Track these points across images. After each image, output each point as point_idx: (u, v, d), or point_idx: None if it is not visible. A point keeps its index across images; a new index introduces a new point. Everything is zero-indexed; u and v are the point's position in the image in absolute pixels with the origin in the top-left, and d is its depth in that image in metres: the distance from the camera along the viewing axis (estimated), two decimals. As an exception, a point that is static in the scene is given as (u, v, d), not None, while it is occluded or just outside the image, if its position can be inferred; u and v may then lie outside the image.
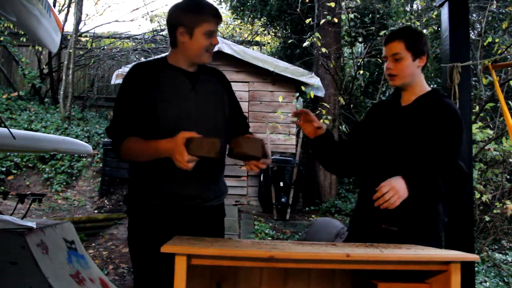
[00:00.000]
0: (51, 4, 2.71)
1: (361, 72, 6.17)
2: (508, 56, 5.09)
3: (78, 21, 9.41)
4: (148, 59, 2.19)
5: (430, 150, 1.71)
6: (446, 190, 1.66)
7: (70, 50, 8.98)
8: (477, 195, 4.42)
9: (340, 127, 6.89)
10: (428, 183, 1.64)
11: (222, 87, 1.84)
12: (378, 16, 7.36)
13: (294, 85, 7.16)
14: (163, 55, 1.87)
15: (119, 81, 6.72)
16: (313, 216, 6.56)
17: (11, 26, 8.94)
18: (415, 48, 1.76)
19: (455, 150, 1.71)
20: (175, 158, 1.44)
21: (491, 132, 4.59)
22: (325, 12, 6.91)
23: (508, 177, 5.18)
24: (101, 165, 7.44)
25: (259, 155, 1.53)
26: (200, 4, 1.68)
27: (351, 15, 6.15)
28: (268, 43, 12.36)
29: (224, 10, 12.73)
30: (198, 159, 1.43)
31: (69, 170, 7.62)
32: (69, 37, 9.31)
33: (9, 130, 2.81)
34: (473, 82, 5.58)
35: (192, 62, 1.73)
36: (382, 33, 6.43)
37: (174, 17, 1.69)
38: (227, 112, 1.83)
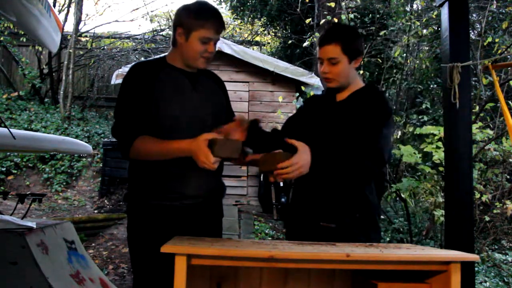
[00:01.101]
0: (51, 4, 2.71)
1: (361, 72, 6.17)
2: (508, 56, 5.10)
3: (78, 21, 9.41)
4: (147, 59, 2.20)
5: (352, 132, 1.68)
6: (355, 170, 1.63)
7: (70, 50, 8.98)
8: (477, 195, 4.42)
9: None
10: (333, 160, 1.61)
11: (219, 89, 1.86)
12: (378, 16, 7.36)
13: (294, 85, 7.15)
14: (162, 55, 1.87)
15: (119, 81, 6.71)
16: (313, 216, 6.54)
17: (11, 26, 8.94)
18: (351, 50, 1.71)
19: (374, 134, 1.66)
20: (199, 159, 1.46)
21: (491, 132, 4.58)
22: (325, 12, 6.91)
23: (508, 177, 5.18)
24: (101, 165, 7.44)
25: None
26: (204, 10, 1.66)
27: (351, 15, 6.14)
28: (268, 43, 12.37)
29: (224, 10, 12.74)
30: (221, 159, 1.48)
31: (69, 170, 7.62)
32: (69, 37, 9.31)
33: (9, 130, 2.80)
34: (473, 82, 5.58)
35: (186, 64, 1.73)
36: (382, 33, 6.44)
37: (177, 16, 1.69)
38: (224, 113, 1.84)
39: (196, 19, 1.64)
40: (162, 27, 12.40)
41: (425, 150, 4.57)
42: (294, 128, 1.91)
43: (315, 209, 1.68)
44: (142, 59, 9.05)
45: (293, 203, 1.88)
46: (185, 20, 1.65)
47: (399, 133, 7.47)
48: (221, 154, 1.45)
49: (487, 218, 4.69)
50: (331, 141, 1.72)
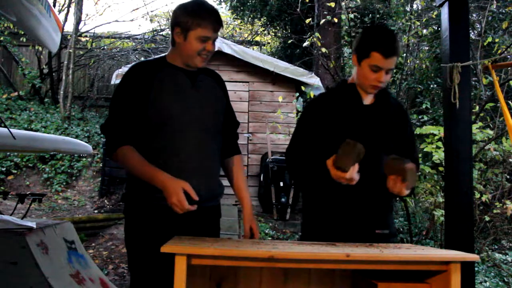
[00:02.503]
0: (51, 4, 2.71)
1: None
2: (508, 56, 5.10)
3: (78, 21, 9.41)
4: (147, 58, 2.20)
5: (403, 149, 1.79)
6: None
7: (70, 50, 8.98)
8: (477, 195, 4.41)
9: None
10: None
11: (220, 89, 1.85)
12: (378, 16, 7.37)
13: (294, 85, 7.16)
14: (162, 54, 1.87)
15: (119, 81, 6.71)
16: (313, 216, 6.54)
17: (11, 26, 8.94)
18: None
19: (416, 147, 1.96)
20: (171, 200, 1.51)
21: (491, 132, 4.58)
22: (325, 12, 6.92)
23: (508, 177, 5.18)
24: (101, 165, 7.44)
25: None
26: (201, 9, 1.66)
27: (351, 15, 6.16)
28: (268, 43, 12.37)
29: (224, 10, 12.74)
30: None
31: (69, 170, 7.62)
32: (69, 37, 9.32)
33: (9, 130, 2.80)
34: (473, 82, 5.57)
35: (185, 63, 1.73)
36: (382, 33, 6.41)
37: (175, 16, 1.69)
38: (224, 112, 1.85)
39: (193, 18, 1.63)
40: (162, 27, 12.39)
41: (425, 150, 4.57)
42: (322, 136, 1.80)
43: (370, 218, 1.73)
44: (142, 59, 9.06)
45: (339, 210, 1.76)
46: (182, 19, 1.65)
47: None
48: (351, 160, 1.53)
49: (487, 218, 4.68)
50: (376, 148, 1.75)
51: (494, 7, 6.33)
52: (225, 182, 1.90)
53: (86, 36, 10.31)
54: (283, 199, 6.28)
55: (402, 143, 1.81)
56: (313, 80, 6.84)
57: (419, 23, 6.52)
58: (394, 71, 7.64)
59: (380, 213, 1.76)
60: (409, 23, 6.44)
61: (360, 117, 1.79)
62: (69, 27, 9.90)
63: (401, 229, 5.10)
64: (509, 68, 5.18)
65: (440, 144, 4.36)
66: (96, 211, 6.60)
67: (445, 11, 2.53)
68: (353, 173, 1.55)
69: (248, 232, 1.81)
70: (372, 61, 1.71)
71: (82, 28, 10.06)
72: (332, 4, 5.89)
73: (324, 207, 1.78)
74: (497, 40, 5.68)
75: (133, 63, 1.96)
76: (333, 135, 1.76)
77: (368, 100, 1.83)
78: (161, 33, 11.37)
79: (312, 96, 6.40)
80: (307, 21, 6.08)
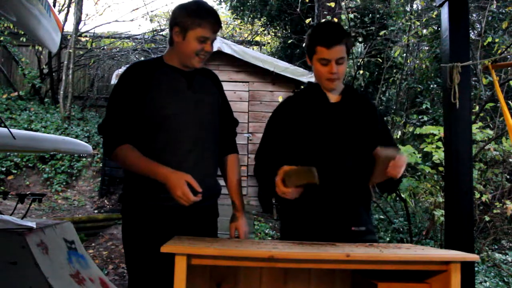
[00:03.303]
0: (51, 4, 2.71)
1: (361, 72, 6.18)
2: (508, 56, 5.10)
3: (78, 21, 9.41)
4: (145, 59, 2.19)
5: (378, 143, 1.77)
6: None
7: (70, 50, 8.98)
8: (477, 195, 4.42)
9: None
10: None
11: (216, 89, 1.86)
12: (378, 16, 7.37)
13: (294, 85, 7.14)
14: (160, 55, 1.88)
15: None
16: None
17: (11, 26, 8.94)
18: (349, 49, 1.79)
19: (394, 142, 1.93)
20: (175, 194, 1.50)
21: (491, 132, 4.58)
22: (325, 12, 6.92)
23: (508, 177, 5.18)
24: (101, 165, 7.44)
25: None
26: (201, 9, 1.66)
27: (351, 15, 6.16)
28: (268, 43, 12.37)
29: (224, 10, 12.74)
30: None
31: (69, 170, 7.62)
32: (69, 37, 9.31)
33: (9, 130, 2.80)
34: (473, 82, 5.58)
35: (182, 63, 1.73)
36: (382, 33, 6.44)
37: (174, 16, 1.70)
38: (220, 112, 1.85)
39: (192, 18, 1.64)
40: (162, 27, 12.40)
41: (425, 150, 4.57)
42: (288, 139, 1.81)
43: (345, 215, 1.72)
44: (142, 59, 9.05)
45: (313, 208, 1.75)
46: (181, 19, 1.65)
47: (399, 133, 7.47)
48: (297, 182, 1.50)
49: (487, 218, 4.69)
50: (348, 144, 1.75)
51: (494, 7, 6.34)
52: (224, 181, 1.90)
53: (86, 36, 10.31)
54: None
55: (375, 137, 1.80)
56: (313, 80, 6.83)
57: (419, 23, 6.53)
58: (394, 71, 7.67)
59: (355, 210, 1.75)
60: (409, 23, 6.45)
61: (327, 115, 1.80)
62: (69, 27, 9.91)
63: (401, 229, 5.10)
64: (509, 68, 5.19)
65: (440, 144, 4.36)
66: (96, 211, 6.60)
67: (445, 11, 2.53)
68: (291, 192, 1.54)
69: (233, 235, 1.80)
70: (319, 55, 1.75)
71: (82, 28, 10.07)
72: (332, 4, 5.89)
73: (298, 207, 1.76)
74: (497, 40, 5.69)
75: (130, 63, 1.96)
76: (301, 136, 1.77)
77: (334, 98, 1.84)
78: (161, 33, 11.36)
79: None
80: (307, 21, 6.08)
